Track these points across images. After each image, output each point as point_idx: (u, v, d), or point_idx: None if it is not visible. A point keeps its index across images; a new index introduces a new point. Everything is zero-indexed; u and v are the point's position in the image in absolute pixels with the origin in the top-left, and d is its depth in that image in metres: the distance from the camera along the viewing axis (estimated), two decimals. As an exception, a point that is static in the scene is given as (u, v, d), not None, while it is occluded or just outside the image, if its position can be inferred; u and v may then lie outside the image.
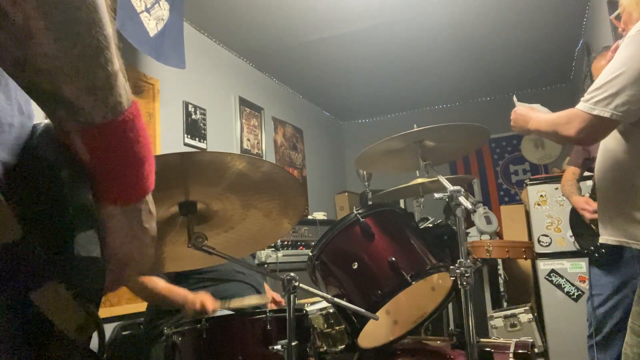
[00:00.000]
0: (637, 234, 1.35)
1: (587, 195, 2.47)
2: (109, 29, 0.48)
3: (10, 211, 0.45)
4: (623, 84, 1.29)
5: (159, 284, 1.94)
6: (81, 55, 0.45)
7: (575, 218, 2.56)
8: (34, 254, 0.46)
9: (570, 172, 2.68)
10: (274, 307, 2.16)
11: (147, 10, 2.62)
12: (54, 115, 0.49)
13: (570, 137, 1.40)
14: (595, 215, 2.27)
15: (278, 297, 2.24)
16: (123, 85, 0.51)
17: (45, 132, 0.54)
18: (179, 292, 1.90)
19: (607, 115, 1.31)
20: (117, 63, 0.49)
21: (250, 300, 1.91)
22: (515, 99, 1.77)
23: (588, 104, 1.35)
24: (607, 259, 2.28)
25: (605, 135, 1.41)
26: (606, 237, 1.46)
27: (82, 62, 0.46)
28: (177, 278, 2.02)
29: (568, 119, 1.40)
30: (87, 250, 0.52)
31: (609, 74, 1.33)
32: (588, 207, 2.34)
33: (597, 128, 1.35)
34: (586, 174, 2.69)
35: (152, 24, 2.65)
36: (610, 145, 1.45)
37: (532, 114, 1.60)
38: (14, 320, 0.46)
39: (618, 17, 1.56)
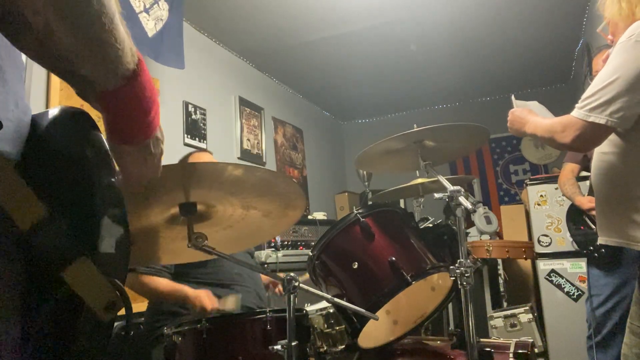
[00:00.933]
0: (636, 235, 1.35)
1: (586, 195, 2.47)
2: (112, 6, 0.53)
3: (31, 192, 0.48)
4: (617, 90, 1.29)
5: (161, 282, 1.96)
6: (94, 39, 0.51)
7: (572, 219, 2.55)
8: (61, 233, 0.50)
9: (569, 169, 2.66)
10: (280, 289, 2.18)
11: (146, 10, 2.62)
12: (75, 86, 0.57)
13: (566, 145, 1.41)
14: None
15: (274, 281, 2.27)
16: (129, 49, 0.57)
17: (61, 119, 0.60)
18: (181, 290, 1.92)
19: (602, 122, 1.31)
20: (121, 32, 0.55)
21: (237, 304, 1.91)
22: (513, 98, 1.76)
23: (583, 111, 1.35)
24: (606, 260, 2.27)
25: (600, 142, 1.42)
26: (605, 238, 1.46)
27: (94, 44, 0.52)
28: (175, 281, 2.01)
29: (563, 127, 1.40)
30: (113, 229, 0.56)
31: (602, 80, 1.33)
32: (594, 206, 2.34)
33: (592, 135, 1.36)
34: (584, 173, 2.69)
35: (151, 24, 2.65)
36: (604, 148, 1.45)
37: (529, 118, 1.60)
38: (47, 300, 0.49)
39: (605, 30, 1.56)
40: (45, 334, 0.49)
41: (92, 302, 0.50)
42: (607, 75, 1.33)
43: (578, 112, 1.36)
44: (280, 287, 2.24)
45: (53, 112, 0.61)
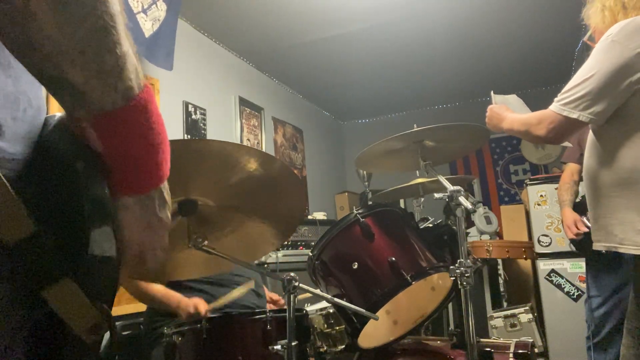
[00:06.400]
0: (624, 237, 1.35)
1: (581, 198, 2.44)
2: (116, 7, 0.45)
3: (22, 206, 0.43)
4: (591, 87, 1.36)
5: (155, 287, 1.93)
6: (87, 37, 0.43)
7: None
8: (47, 251, 0.45)
9: (569, 171, 2.56)
10: (272, 307, 2.16)
11: (144, 11, 2.62)
12: (63, 102, 0.47)
13: (540, 137, 1.48)
14: (575, 237, 2.27)
15: (275, 296, 2.25)
16: (134, 68, 0.49)
17: (59, 124, 0.51)
18: (174, 296, 1.90)
19: (575, 116, 1.38)
20: (126, 44, 0.47)
21: (235, 293, 1.90)
22: (492, 93, 1.80)
23: (558, 105, 1.42)
24: (605, 261, 2.26)
25: (572, 134, 1.49)
26: (596, 243, 1.50)
27: (88, 44, 0.43)
28: (171, 282, 2.00)
29: (539, 120, 1.47)
30: (101, 248, 0.50)
31: (579, 77, 1.40)
32: (573, 228, 2.28)
33: (565, 128, 1.43)
34: None
35: (148, 25, 2.65)
36: (588, 151, 1.51)
37: (506, 114, 1.66)
38: (26, 319, 0.45)
39: (591, 39, 1.60)
40: (26, 353, 0.45)
41: (75, 325, 0.47)
42: (584, 72, 1.39)
43: (554, 106, 1.43)
44: (280, 301, 2.22)
45: (59, 115, 0.53)
